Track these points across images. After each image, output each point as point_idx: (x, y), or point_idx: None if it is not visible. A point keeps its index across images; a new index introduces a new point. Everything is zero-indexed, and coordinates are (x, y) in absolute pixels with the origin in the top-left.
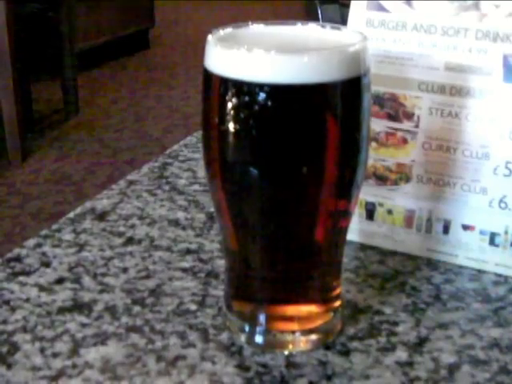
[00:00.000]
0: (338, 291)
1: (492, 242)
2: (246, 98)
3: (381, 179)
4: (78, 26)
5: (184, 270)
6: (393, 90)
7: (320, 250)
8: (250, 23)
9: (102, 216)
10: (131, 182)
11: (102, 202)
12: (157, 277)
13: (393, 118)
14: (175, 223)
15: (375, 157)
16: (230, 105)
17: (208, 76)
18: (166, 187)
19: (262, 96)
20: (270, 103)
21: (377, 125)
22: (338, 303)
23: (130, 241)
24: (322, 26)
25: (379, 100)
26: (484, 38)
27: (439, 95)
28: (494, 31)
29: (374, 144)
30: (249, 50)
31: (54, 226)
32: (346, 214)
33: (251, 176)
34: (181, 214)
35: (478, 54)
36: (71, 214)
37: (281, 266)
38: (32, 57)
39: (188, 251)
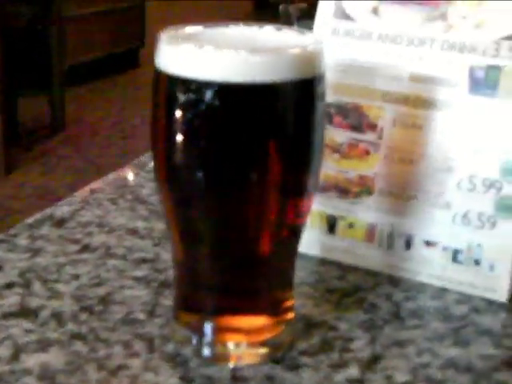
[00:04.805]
0: (289, 304)
1: (455, 259)
2: (194, 97)
3: (342, 192)
4: (68, 42)
5: (137, 278)
6: (356, 100)
7: (268, 261)
8: (204, 24)
9: (60, 223)
10: (94, 190)
11: (62, 209)
12: (108, 285)
13: (356, 128)
14: (133, 232)
15: (337, 168)
16: (177, 104)
17: (157, 75)
18: (129, 196)
19: (209, 95)
20: (217, 103)
21: (339, 136)
22: (289, 316)
23: (85, 248)
24: (278, 29)
25: (342, 110)
26: (450, 49)
27: (403, 106)
28: (460, 42)
29: (336, 155)
30: (197, 47)
31: (11, 231)
32: (295, 225)
33: (195, 180)
34: (140, 224)
35: (443, 65)
36: (30, 220)
37: (227, 276)
38: (20, 71)
39: (143, 260)
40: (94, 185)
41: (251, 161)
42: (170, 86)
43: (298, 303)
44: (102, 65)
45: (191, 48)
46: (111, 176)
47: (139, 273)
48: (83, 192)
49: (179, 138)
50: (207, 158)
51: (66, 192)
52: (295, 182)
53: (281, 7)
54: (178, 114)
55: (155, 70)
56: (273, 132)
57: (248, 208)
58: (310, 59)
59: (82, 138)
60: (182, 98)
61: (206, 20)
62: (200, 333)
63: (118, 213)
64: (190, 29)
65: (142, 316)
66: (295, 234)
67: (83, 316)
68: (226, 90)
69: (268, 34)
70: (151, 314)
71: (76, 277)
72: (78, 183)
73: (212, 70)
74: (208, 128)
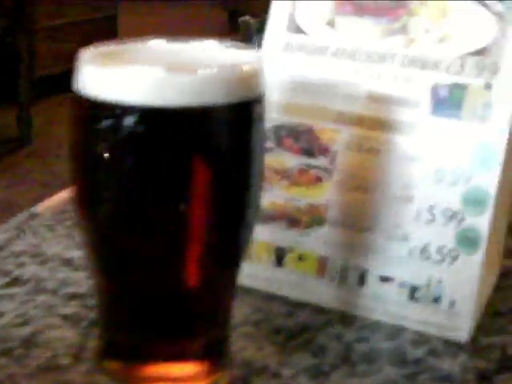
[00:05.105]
0: (225, 348)
1: (412, 295)
2: (115, 123)
3: (291, 222)
4: (37, 53)
5: (66, 317)
6: (308, 122)
7: (199, 299)
8: (134, 39)
9: None
10: (32, 215)
11: None
12: (34, 324)
13: (307, 152)
14: (68, 263)
15: (286, 196)
16: (97, 131)
17: (75, 98)
18: (68, 223)
19: (131, 120)
20: (140, 129)
21: (289, 160)
22: (225, 362)
23: (15, 281)
24: (220, 44)
25: (293, 132)
26: (411, 65)
27: (359, 128)
28: (422, 58)
29: (285, 182)
30: (119, 68)
31: None
32: (232, 258)
33: (117, 211)
34: (76, 253)
35: (404, 83)
36: None
37: (152, 317)
38: None
39: (74, 296)
40: (33, 209)
41: (181, 191)
42: (90, 111)
43: (239, 346)
44: (72, 76)
45: (113, 68)
46: (52, 199)
47: (68, 310)
48: (20, 217)
49: (99, 167)
50: (131, 188)
51: (31, 205)
52: (231, 212)
53: (240, 20)
54: (98, 141)
55: (73, 92)
56: (204, 160)
57: (177, 241)
58: (248, 79)
59: (49, 151)
60: (102, 123)
61: (178, 31)
62: (125, 382)
63: (55, 241)
64: (116, 47)
65: (66, 360)
66: (232, 268)
67: (1, 361)
68: (150, 115)
69: (205, 51)
70: (76, 358)
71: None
72: (44, 197)
73: (134, 93)
74: (131, 156)
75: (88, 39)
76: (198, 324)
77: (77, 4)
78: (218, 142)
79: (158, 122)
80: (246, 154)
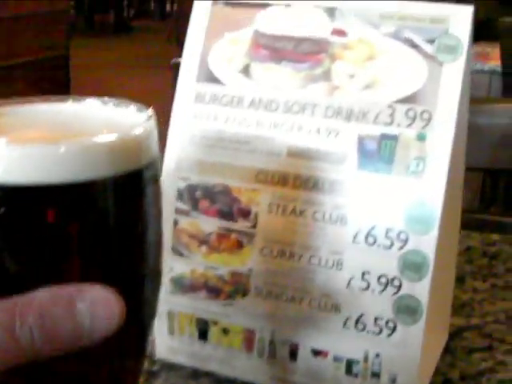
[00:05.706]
0: None
1: (349, 370)
2: None
3: (213, 292)
4: None
5: None
6: (225, 181)
7: None
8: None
9: None
10: None
11: None
12: None
13: (226, 215)
14: None
15: (206, 264)
16: None
17: None
18: None
19: None
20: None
21: (207, 224)
22: None
23: None
24: (104, 103)
25: (209, 193)
26: (335, 116)
27: (281, 188)
28: (347, 108)
29: (203, 248)
30: None
31: None
32: (129, 347)
33: None
34: None
35: (327, 136)
36: None
37: None
38: None
39: None
40: None
41: (58, 278)
42: None
43: None
44: None
45: None
46: None
47: None
48: None
49: None
50: None
51: None
52: (124, 291)
53: (172, 61)
54: None
55: None
56: (82, 242)
57: None
58: (132, 148)
59: None
60: None
61: (130, 67)
62: None
63: None
64: None
65: None
66: (132, 357)
67: None
68: (11, 194)
69: (87, 112)
70: None
71: None
72: None
73: None
74: None
75: (40, 78)
76: None
77: (26, 44)
78: (98, 219)
79: (21, 203)
80: (135, 228)
